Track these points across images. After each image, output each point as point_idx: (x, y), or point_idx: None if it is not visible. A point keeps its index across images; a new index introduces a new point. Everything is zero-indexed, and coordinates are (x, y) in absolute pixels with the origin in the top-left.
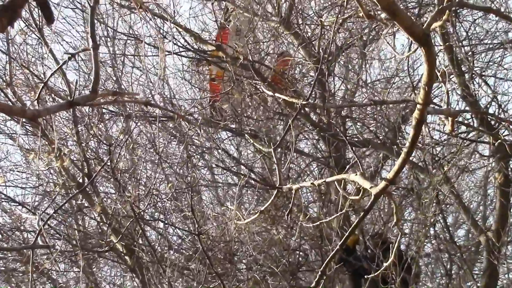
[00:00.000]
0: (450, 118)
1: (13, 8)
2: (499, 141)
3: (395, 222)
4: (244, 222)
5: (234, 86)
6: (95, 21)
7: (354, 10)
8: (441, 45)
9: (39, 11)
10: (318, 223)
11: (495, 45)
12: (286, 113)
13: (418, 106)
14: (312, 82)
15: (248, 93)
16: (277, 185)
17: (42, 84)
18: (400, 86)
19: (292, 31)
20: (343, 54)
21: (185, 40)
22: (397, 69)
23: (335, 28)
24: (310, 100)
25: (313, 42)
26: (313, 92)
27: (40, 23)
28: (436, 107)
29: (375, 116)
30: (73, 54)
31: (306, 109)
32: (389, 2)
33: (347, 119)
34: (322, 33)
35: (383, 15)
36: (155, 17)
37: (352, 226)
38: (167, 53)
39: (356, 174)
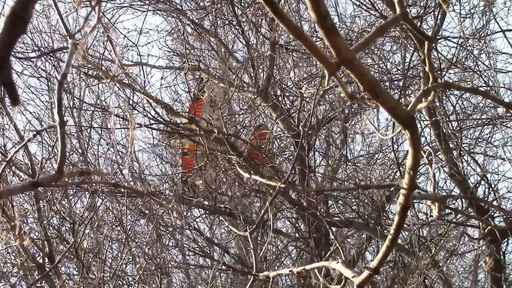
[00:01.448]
0: (437, 204)
1: None
2: (489, 227)
3: None
4: None
5: (208, 161)
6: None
7: (335, 83)
8: (427, 120)
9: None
10: None
11: (484, 120)
12: (263, 190)
13: (403, 191)
14: (291, 157)
15: (222, 168)
16: (253, 272)
17: (4, 163)
18: (384, 162)
19: (270, 103)
20: (324, 127)
21: (156, 112)
22: (381, 144)
23: (316, 100)
24: (289, 180)
25: (293, 115)
26: (293, 169)
27: (2, 94)
28: (422, 192)
29: (357, 195)
30: (38, 132)
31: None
32: (371, 83)
33: (328, 198)
34: (302, 105)
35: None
36: (124, 87)
37: None
38: (137, 125)
39: (338, 262)
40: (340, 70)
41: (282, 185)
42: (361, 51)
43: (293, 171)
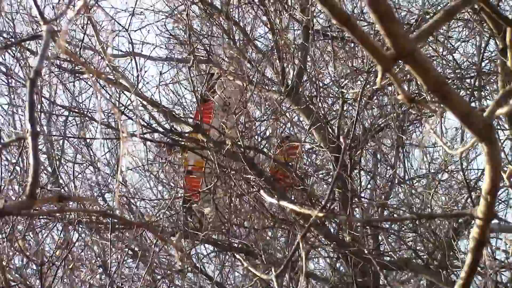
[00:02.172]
0: None
1: None
2: None
3: None
4: None
5: (219, 182)
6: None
7: (388, 81)
8: (507, 129)
9: None
10: None
11: None
12: (292, 221)
13: (478, 222)
14: (329, 178)
15: (238, 192)
16: None
17: None
18: (451, 185)
19: (301, 107)
20: (373, 139)
21: (152, 118)
22: (446, 161)
23: (362, 104)
24: (327, 208)
25: (331, 122)
26: (332, 194)
27: None
28: (502, 222)
29: (415, 227)
30: (4, 145)
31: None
32: (438, 82)
33: (377, 231)
34: (344, 110)
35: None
36: (111, 85)
37: None
38: (128, 135)
39: None
40: (397, 65)
41: (319, 214)
42: (424, 41)
43: (331, 196)
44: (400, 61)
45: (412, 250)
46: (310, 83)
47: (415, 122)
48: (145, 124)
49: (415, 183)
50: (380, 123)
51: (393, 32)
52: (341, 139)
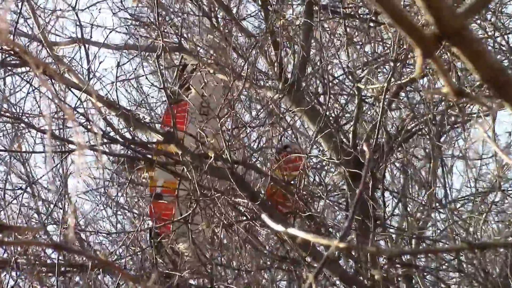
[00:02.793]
0: None
1: None
2: None
3: None
4: None
5: (198, 208)
6: None
7: (424, 69)
8: None
9: None
10: None
11: None
12: (296, 258)
13: None
14: (343, 200)
15: (224, 221)
16: None
17: None
18: (505, 207)
19: (305, 107)
20: (400, 149)
21: (108, 124)
22: (499, 176)
23: (385, 102)
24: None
25: (345, 127)
26: (352, 220)
27: None
28: None
29: (460, 265)
30: None
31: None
32: (494, 69)
33: (409, 270)
34: (361, 110)
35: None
36: (55, 81)
37: None
38: (83, 146)
39: None
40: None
41: (340, 245)
42: (473, 17)
43: (351, 224)
44: (444, 43)
45: None
46: (316, 77)
47: (456, 126)
48: (98, 130)
49: (459, 207)
50: (410, 127)
51: (436, 5)
52: (359, 150)
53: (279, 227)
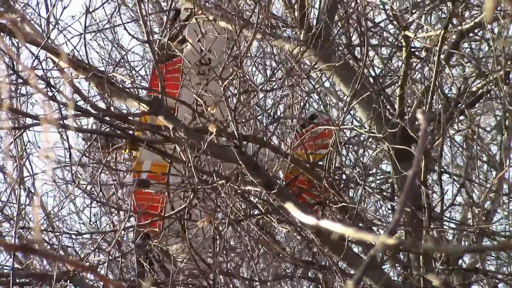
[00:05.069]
0: None
1: None
2: None
3: None
4: None
5: (195, 199)
6: None
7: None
8: None
9: None
10: None
11: None
12: (324, 263)
13: None
14: (387, 187)
15: (230, 216)
16: None
17: None
18: None
19: (335, 63)
20: (462, 118)
21: (76, 90)
22: None
23: (442, 56)
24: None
25: (387, 90)
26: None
27: None
28: None
29: None
30: None
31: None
32: None
33: (469, 275)
34: (410, 67)
35: None
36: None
37: None
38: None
39: None
40: None
41: (389, 241)
42: None
43: (400, 217)
44: None
45: None
46: (349, 23)
47: None
48: (66, 100)
49: None
50: (475, 89)
51: None
52: (417, 114)
53: (309, 219)
